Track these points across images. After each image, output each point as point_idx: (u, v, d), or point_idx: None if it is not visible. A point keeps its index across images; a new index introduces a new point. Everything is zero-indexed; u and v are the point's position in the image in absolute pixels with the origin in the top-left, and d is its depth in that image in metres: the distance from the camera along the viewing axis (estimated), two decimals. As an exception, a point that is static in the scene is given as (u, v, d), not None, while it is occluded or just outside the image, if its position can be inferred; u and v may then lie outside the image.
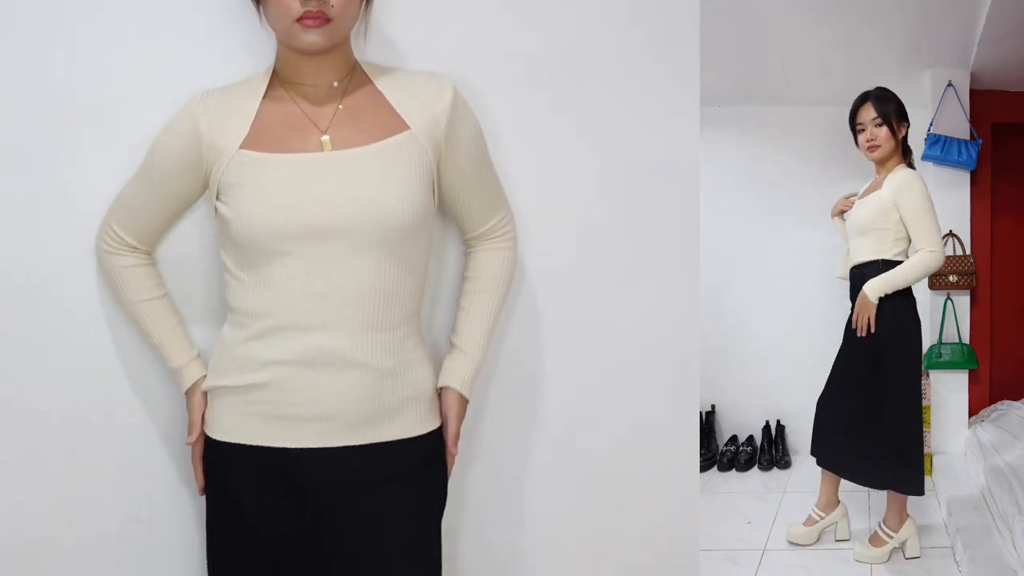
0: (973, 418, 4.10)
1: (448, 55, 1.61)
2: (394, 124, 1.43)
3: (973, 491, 3.42)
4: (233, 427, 1.42)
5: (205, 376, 1.49)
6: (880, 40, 3.71)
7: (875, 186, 3.00)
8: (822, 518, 3.15)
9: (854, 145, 3.08)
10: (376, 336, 1.39)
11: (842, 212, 3.25)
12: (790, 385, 4.26)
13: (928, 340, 3.81)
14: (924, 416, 3.09)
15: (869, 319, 2.86)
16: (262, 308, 1.39)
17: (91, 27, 1.54)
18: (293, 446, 1.40)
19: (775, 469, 4.16)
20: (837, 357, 3.09)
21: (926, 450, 3.27)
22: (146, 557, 1.63)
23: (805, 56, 3.85)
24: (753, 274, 4.40)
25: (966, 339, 4.07)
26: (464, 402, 1.52)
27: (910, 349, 2.94)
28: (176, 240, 1.56)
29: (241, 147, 1.39)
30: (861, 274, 2.95)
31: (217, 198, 1.41)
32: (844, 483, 3.15)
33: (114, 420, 1.60)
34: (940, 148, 3.96)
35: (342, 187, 1.37)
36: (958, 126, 4.01)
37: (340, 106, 1.43)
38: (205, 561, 1.49)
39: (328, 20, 1.34)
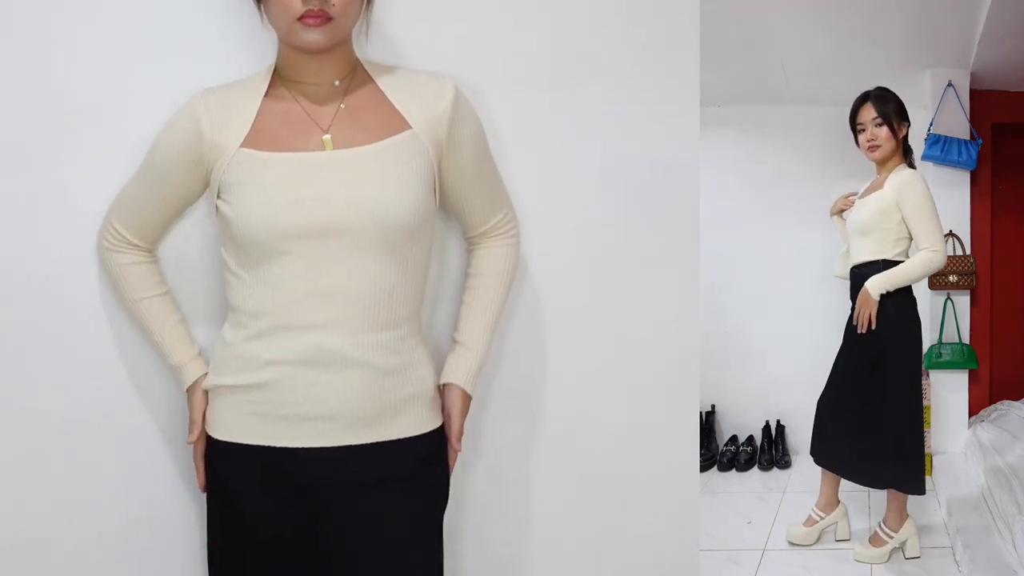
0: (973, 418, 4.10)
1: (448, 55, 1.61)
2: (396, 123, 1.43)
3: (973, 491, 3.42)
4: (234, 426, 1.42)
5: (206, 374, 1.49)
6: (880, 40, 3.71)
7: (876, 186, 3.00)
8: (822, 518, 3.15)
9: (854, 145, 3.08)
10: (377, 335, 1.39)
11: (841, 211, 3.26)
12: (790, 385, 4.26)
13: (928, 340, 3.81)
14: (924, 416, 3.09)
15: (870, 315, 2.86)
16: (263, 307, 1.39)
17: (91, 27, 1.54)
18: (294, 445, 1.39)
19: (775, 469, 4.17)
20: (837, 357, 3.10)
21: (926, 450, 3.26)
22: (146, 557, 1.63)
23: (805, 56, 3.85)
24: (753, 274, 4.40)
25: (966, 339, 4.07)
26: (467, 398, 1.52)
27: (911, 349, 2.94)
28: (176, 240, 1.56)
29: (242, 146, 1.39)
30: (862, 274, 2.94)
31: (218, 196, 1.41)
32: (844, 483, 3.15)
33: (114, 420, 1.60)
34: (940, 148, 3.96)
35: (343, 186, 1.37)
36: (958, 126, 4.01)
37: (341, 105, 1.43)
38: (205, 561, 1.49)
39: (329, 19, 1.34)
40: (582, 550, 1.79)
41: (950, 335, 4.05)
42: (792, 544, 3.14)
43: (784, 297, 4.35)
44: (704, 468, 4.16)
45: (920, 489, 2.90)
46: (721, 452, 4.28)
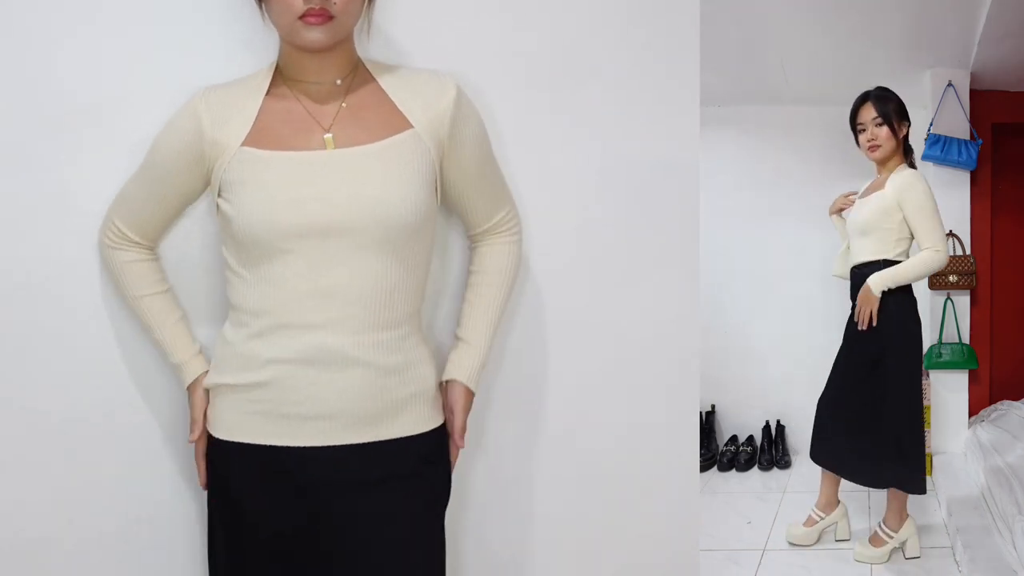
0: (973, 418, 4.10)
1: (448, 54, 1.60)
2: (397, 122, 1.43)
3: (973, 491, 3.42)
4: (235, 426, 1.42)
5: (207, 372, 1.49)
6: (880, 40, 3.70)
7: (877, 186, 3.00)
8: (822, 518, 3.15)
9: (854, 145, 3.09)
10: (378, 334, 1.39)
11: (841, 210, 3.26)
12: (790, 385, 4.26)
13: (928, 340, 3.81)
14: (924, 416, 3.09)
15: (872, 312, 2.86)
16: (263, 306, 1.39)
17: (91, 27, 1.54)
18: (295, 445, 1.39)
19: (775, 469, 4.17)
20: (837, 357, 3.10)
21: (926, 450, 3.27)
22: (146, 557, 1.63)
23: (805, 56, 3.85)
24: (753, 274, 4.40)
25: (966, 339, 4.07)
26: (470, 395, 1.52)
27: (911, 348, 2.94)
28: (177, 239, 1.56)
29: (243, 144, 1.39)
30: (862, 274, 2.94)
31: (219, 195, 1.41)
32: (844, 483, 3.15)
33: (114, 420, 1.60)
34: (940, 148, 3.96)
35: (345, 185, 1.37)
36: (958, 126, 4.01)
37: (343, 104, 1.43)
38: (206, 561, 1.49)
39: (331, 17, 1.34)
40: (582, 550, 1.79)
41: (950, 335, 4.06)
42: (792, 544, 3.14)
43: (784, 297, 4.35)
44: (704, 468, 4.17)
45: (921, 488, 2.90)
46: (721, 452, 4.28)
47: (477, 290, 1.56)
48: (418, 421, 1.45)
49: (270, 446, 1.40)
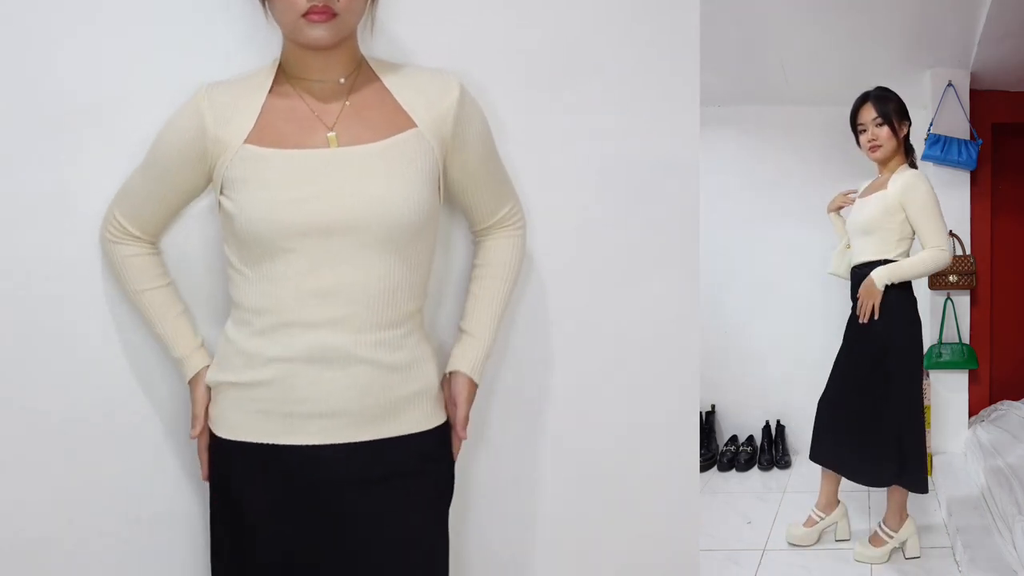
0: (973, 418, 4.10)
1: (449, 53, 1.60)
2: (401, 121, 1.42)
3: (973, 491, 3.42)
4: (237, 424, 1.42)
5: (208, 366, 1.49)
6: (880, 40, 3.71)
7: (879, 185, 3.00)
8: (822, 518, 3.15)
9: (854, 145, 3.08)
10: (381, 333, 1.39)
11: (839, 208, 3.26)
12: (790, 385, 4.26)
13: (928, 340, 3.81)
14: (925, 416, 3.09)
15: (874, 306, 2.86)
16: (265, 304, 1.39)
17: (91, 27, 1.54)
18: (297, 443, 1.39)
19: (775, 469, 4.16)
20: (838, 357, 3.09)
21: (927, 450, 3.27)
22: (146, 557, 1.63)
23: (805, 56, 3.85)
24: (753, 274, 4.40)
25: (966, 339, 4.07)
26: (474, 386, 1.52)
27: (911, 347, 2.94)
28: (178, 238, 1.56)
29: (246, 142, 1.39)
30: (863, 274, 2.94)
31: (221, 193, 1.41)
32: (844, 483, 3.15)
33: (114, 420, 1.60)
34: (940, 148, 3.96)
35: (348, 184, 1.36)
36: (958, 126, 4.01)
37: (347, 102, 1.43)
38: (205, 561, 1.49)
39: (334, 15, 1.33)
40: (582, 550, 1.79)
41: (950, 335, 4.06)
42: (792, 544, 3.14)
43: (784, 297, 4.35)
44: (704, 468, 4.16)
45: (923, 487, 2.90)
46: (721, 452, 4.27)
47: (481, 283, 1.56)
48: (421, 419, 1.45)
49: (272, 444, 1.40)
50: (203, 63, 1.52)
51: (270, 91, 1.43)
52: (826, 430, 3.09)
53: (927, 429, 3.13)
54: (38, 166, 1.54)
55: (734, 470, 4.17)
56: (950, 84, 4.00)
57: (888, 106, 2.95)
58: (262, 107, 1.41)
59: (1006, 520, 2.90)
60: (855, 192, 3.19)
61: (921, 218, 2.86)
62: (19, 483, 1.58)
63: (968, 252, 4.05)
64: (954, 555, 2.95)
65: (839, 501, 3.17)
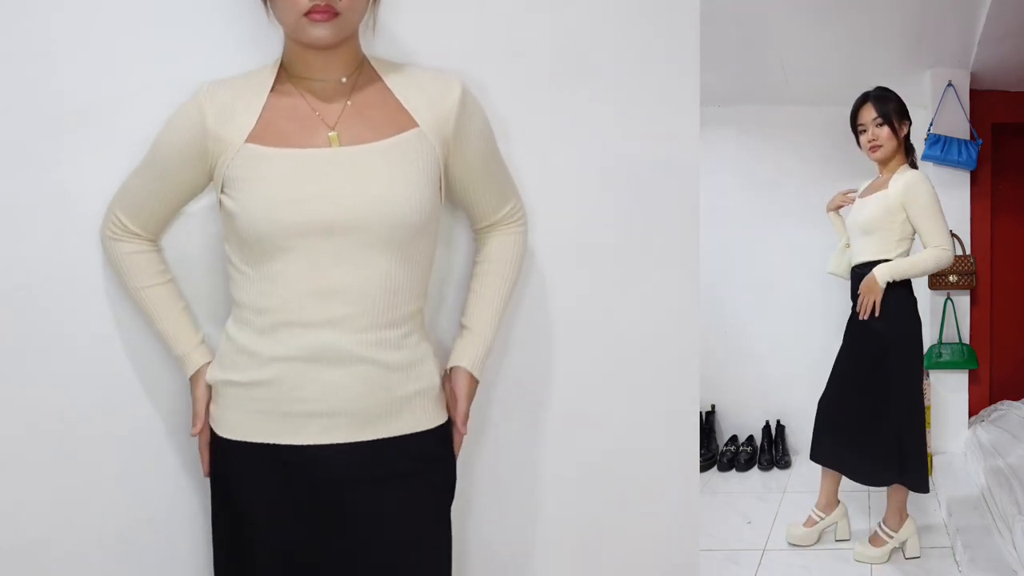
0: (973, 418, 4.10)
1: (449, 53, 1.60)
2: (402, 121, 1.42)
3: (973, 491, 3.42)
4: (237, 424, 1.42)
5: (210, 363, 1.48)
6: (880, 40, 3.70)
7: (879, 185, 3.00)
8: (822, 518, 3.15)
9: (854, 145, 3.08)
10: (382, 332, 1.39)
11: (839, 207, 3.26)
12: (790, 385, 4.26)
13: (928, 340, 3.81)
14: (925, 415, 3.09)
15: (875, 302, 2.87)
16: (266, 303, 1.38)
17: (91, 27, 1.54)
18: (298, 443, 1.39)
19: (775, 469, 4.16)
20: (838, 356, 3.09)
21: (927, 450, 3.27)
22: (146, 557, 1.63)
23: (805, 56, 3.85)
24: (753, 274, 4.40)
25: (966, 339, 4.07)
26: (474, 382, 1.52)
27: (911, 348, 2.94)
28: (178, 238, 1.56)
29: (247, 141, 1.39)
30: (863, 274, 2.94)
31: (222, 191, 1.41)
32: (844, 483, 3.15)
33: (114, 420, 1.60)
34: (940, 148, 3.96)
35: (349, 184, 1.36)
36: (958, 126, 4.01)
37: (348, 102, 1.43)
38: (206, 561, 1.50)
39: (336, 14, 1.33)
40: (582, 550, 1.79)
41: (950, 335, 4.06)
42: (792, 544, 3.14)
43: (784, 297, 4.35)
44: (704, 468, 4.16)
45: (924, 487, 2.91)
46: (721, 452, 4.27)
47: (482, 280, 1.56)
48: (422, 418, 1.45)
49: (273, 444, 1.40)
50: (203, 63, 1.52)
51: (272, 90, 1.42)
52: (826, 430, 3.09)
53: (927, 429, 3.13)
54: (38, 166, 1.54)
55: (734, 470, 4.17)
56: (950, 84, 4.00)
57: (888, 106, 2.95)
58: (264, 106, 1.41)
59: (1006, 520, 2.90)
60: (855, 192, 3.19)
61: (923, 218, 2.86)
62: (19, 483, 1.58)
63: (968, 252, 4.05)
64: (954, 555, 2.95)
65: (839, 501, 3.17)
